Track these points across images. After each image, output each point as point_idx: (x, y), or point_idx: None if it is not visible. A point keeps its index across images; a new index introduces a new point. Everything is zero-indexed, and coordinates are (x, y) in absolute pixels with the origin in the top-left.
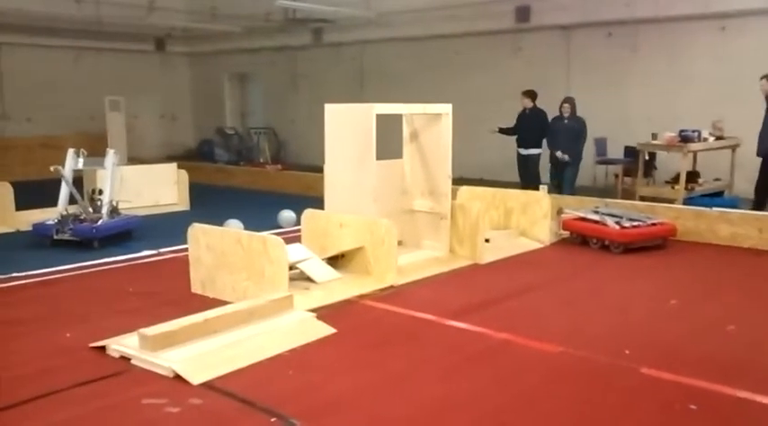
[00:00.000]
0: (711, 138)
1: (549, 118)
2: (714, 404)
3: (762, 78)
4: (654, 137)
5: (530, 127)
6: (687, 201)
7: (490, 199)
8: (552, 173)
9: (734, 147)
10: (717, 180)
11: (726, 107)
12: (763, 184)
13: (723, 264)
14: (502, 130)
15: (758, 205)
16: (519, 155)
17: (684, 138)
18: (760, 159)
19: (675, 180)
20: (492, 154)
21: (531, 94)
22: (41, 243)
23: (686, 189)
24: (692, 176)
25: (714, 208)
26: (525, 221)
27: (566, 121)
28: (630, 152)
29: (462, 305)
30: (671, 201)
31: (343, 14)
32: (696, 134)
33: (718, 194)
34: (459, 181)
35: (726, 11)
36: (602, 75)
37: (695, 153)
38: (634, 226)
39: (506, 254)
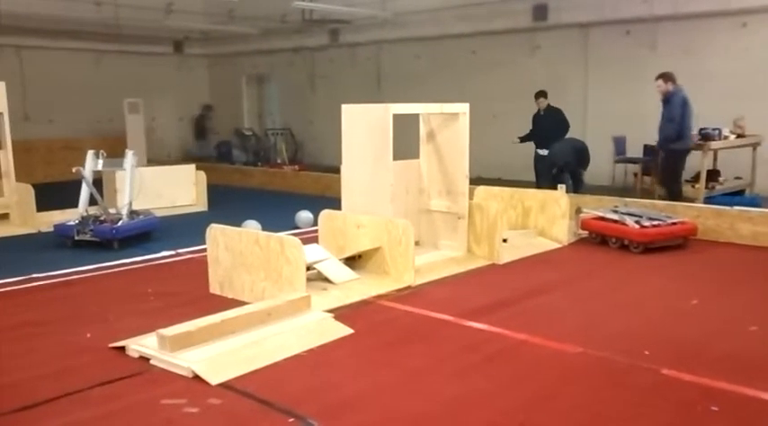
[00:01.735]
0: (732, 136)
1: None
2: (736, 406)
3: (657, 78)
4: None
5: (549, 126)
6: (708, 200)
7: (508, 199)
8: (556, 175)
9: (755, 145)
10: (738, 178)
11: (747, 104)
12: (669, 175)
13: (744, 263)
14: (522, 139)
15: (672, 195)
16: (537, 155)
17: (705, 136)
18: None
19: (696, 178)
20: (510, 153)
21: (545, 94)
22: (62, 243)
23: (707, 187)
24: (713, 175)
25: (735, 207)
26: (543, 221)
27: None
28: (650, 151)
29: (480, 305)
30: (691, 200)
31: (360, 15)
32: (717, 132)
33: (739, 193)
34: (476, 180)
35: (747, 7)
36: (621, 73)
37: (716, 151)
38: (654, 226)
39: (524, 254)
